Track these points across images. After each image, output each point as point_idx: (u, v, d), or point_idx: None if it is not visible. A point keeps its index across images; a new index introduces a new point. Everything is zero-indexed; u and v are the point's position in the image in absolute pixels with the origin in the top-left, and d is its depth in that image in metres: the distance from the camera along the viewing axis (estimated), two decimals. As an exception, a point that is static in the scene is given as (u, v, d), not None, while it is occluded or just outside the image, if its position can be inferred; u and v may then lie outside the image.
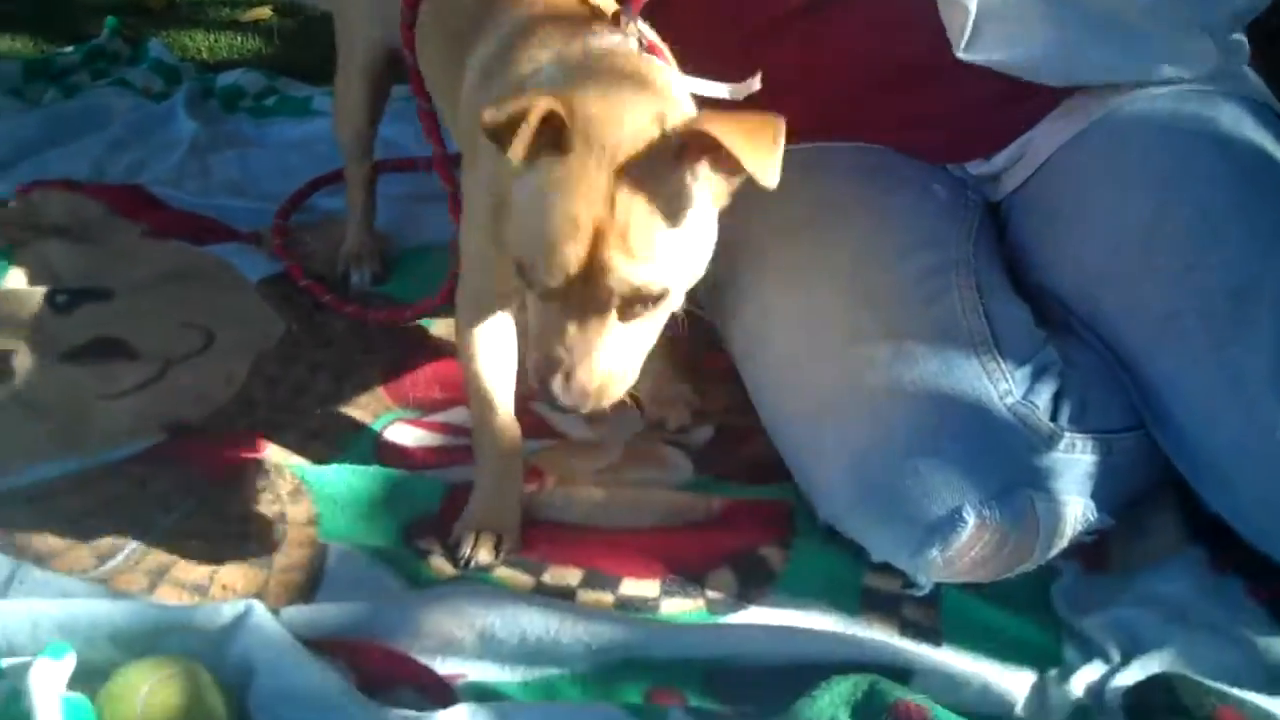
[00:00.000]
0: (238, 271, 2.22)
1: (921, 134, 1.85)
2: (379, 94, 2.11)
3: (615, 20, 1.42)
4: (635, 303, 1.24)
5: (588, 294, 1.22)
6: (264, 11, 3.59)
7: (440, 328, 2.04)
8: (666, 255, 1.23)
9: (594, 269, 1.21)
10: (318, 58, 3.28)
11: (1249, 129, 1.70)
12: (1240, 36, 1.79)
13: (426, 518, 1.66)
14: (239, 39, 3.43)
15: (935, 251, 1.68)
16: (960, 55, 1.65)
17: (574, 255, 1.20)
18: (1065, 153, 1.79)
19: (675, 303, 1.29)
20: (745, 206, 1.82)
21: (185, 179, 2.55)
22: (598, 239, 1.20)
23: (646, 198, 1.21)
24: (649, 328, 1.29)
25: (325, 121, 2.74)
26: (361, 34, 2.00)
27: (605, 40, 1.38)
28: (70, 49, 3.16)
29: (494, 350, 1.61)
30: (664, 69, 1.38)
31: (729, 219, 1.77)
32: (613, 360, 1.25)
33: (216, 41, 3.40)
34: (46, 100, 2.90)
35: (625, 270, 1.21)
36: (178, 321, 2.07)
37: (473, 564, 1.57)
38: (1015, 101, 1.81)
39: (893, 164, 1.84)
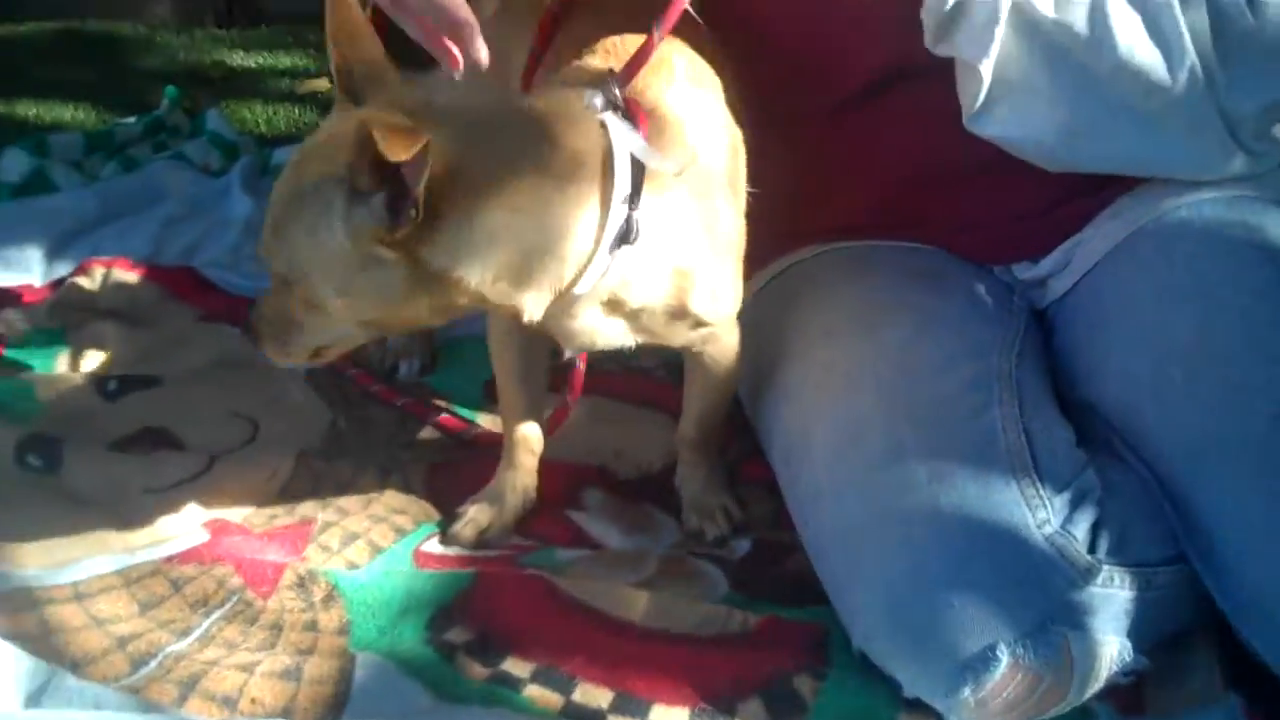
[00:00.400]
0: (286, 359, 2.24)
1: (970, 235, 1.85)
2: None
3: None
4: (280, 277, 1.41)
5: None
6: (322, 83, 3.65)
7: (485, 420, 2.05)
8: (289, 244, 1.35)
9: None
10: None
11: None
12: (1277, 133, 1.77)
13: (452, 607, 1.66)
14: (297, 111, 3.48)
15: (979, 361, 1.66)
16: (967, 125, 1.64)
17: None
18: (1112, 259, 1.77)
19: (318, 306, 1.39)
20: (792, 305, 1.83)
21: (240, 261, 2.59)
22: None
23: (302, 189, 1.33)
24: (301, 313, 1.42)
25: (377, 202, 2.78)
26: None
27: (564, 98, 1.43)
28: (131, 119, 3.22)
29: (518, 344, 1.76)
30: (601, 134, 1.40)
31: (776, 315, 1.77)
32: (268, 313, 1.46)
33: (275, 114, 3.46)
34: (105, 174, 2.96)
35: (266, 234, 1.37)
36: (225, 411, 2.10)
37: (450, 541, 1.80)
38: (1064, 204, 1.80)
39: (940, 266, 1.83)
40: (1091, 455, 1.62)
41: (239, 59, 3.91)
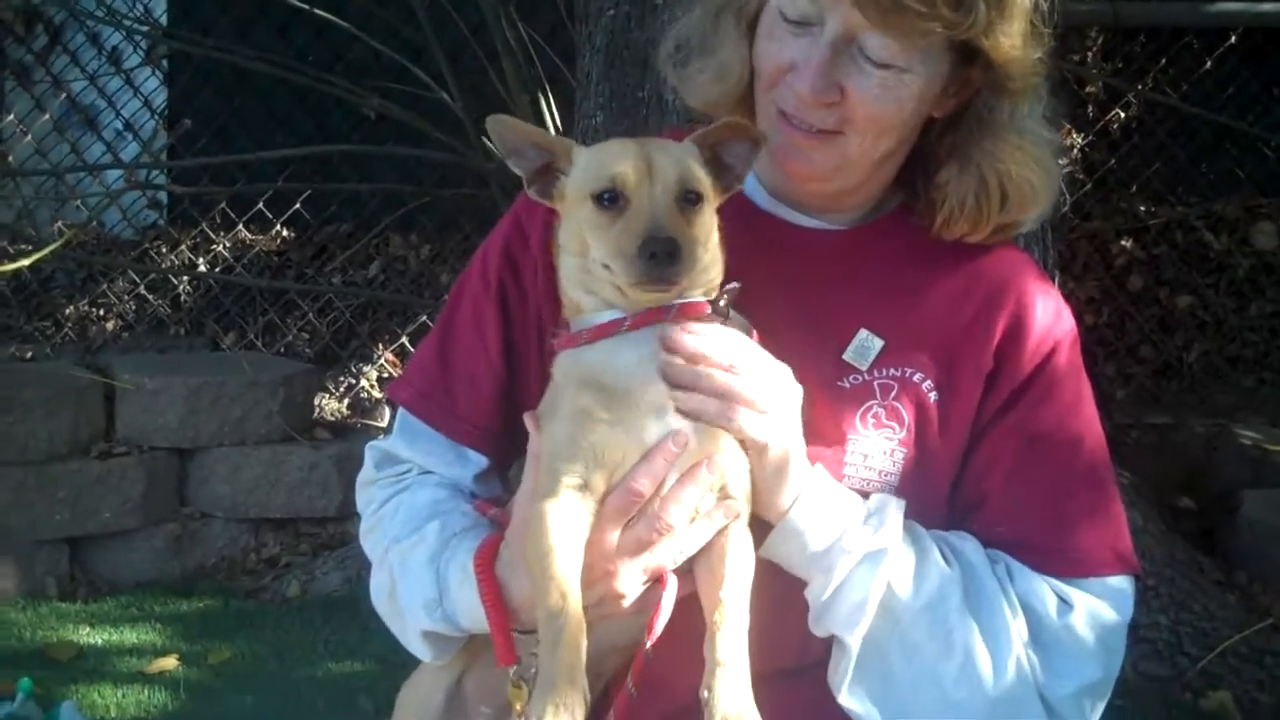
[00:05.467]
0: None
1: None
2: None
3: None
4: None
5: None
6: (169, 661, 3.80)
7: None
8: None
9: None
10: (225, 717, 3.48)
11: None
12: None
13: None
14: (146, 693, 3.61)
15: None
16: (840, 699, 1.78)
17: None
18: None
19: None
20: None
21: None
22: None
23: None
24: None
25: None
26: None
27: None
28: (-15, 713, 3.31)
29: (569, 530, 1.63)
30: None
31: None
32: (684, 242, 1.65)
33: (124, 698, 3.58)
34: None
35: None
36: None
37: None
38: None
39: None
40: None
41: (85, 635, 4.05)
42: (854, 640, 1.76)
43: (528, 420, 1.75)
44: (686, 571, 1.72)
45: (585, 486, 1.66)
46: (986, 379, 1.86)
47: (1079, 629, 1.85)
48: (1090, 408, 1.93)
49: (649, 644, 1.70)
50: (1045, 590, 1.85)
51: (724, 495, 1.70)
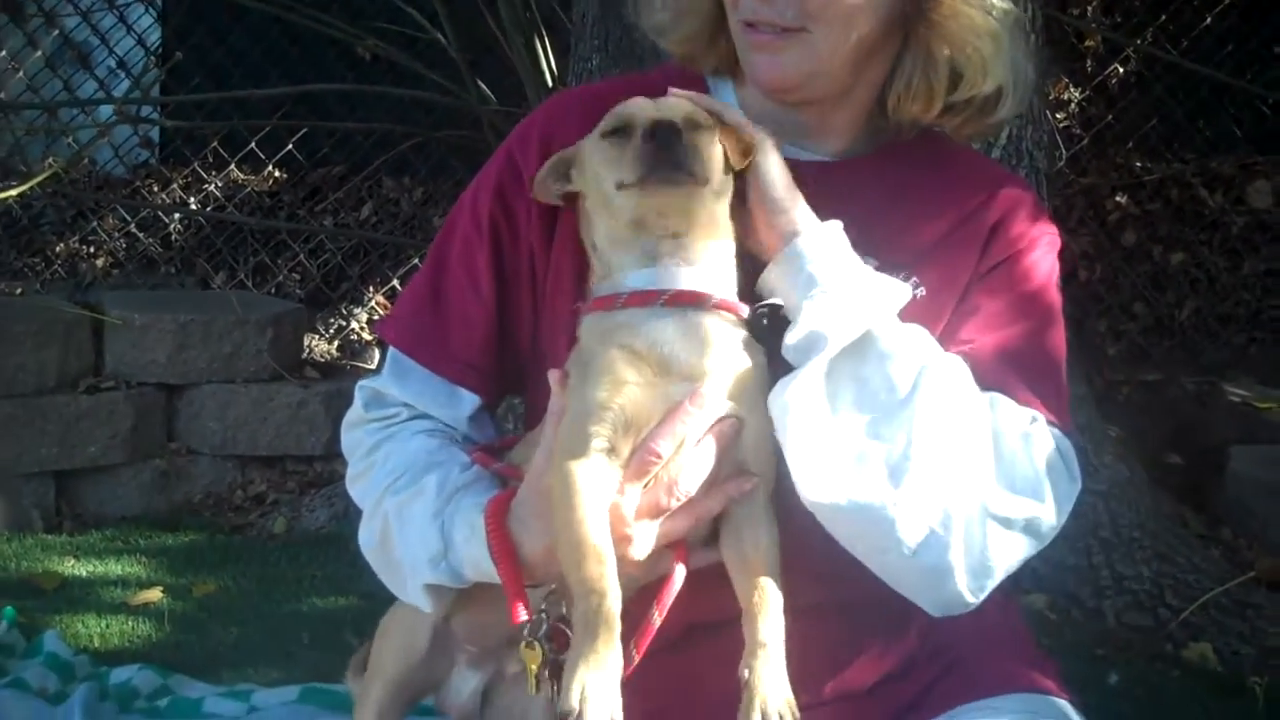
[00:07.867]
0: None
1: None
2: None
3: None
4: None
5: None
6: (153, 594, 3.81)
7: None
8: None
9: None
10: (209, 648, 3.49)
11: None
12: None
13: None
14: (130, 624, 3.61)
15: None
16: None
17: None
18: None
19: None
20: None
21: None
22: None
23: None
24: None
25: (216, 727, 2.92)
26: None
27: None
28: (-30, 643, 3.31)
29: (597, 493, 1.64)
30: None
31: None
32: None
33: (108, 628, 3.58)
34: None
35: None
36: None
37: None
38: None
39: None
40: None
41: (70, 567, 4.05)
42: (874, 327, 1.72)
43: (552, 378, 1.75)
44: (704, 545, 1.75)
45: (613, 450, 1.66)
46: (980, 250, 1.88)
47: (1037, 449, 1.78)
48: (1058, 312, 1.92)
49: (659, 618, 1.71)
50: (1014, 406, 1.80)
51: (743, 470, 1.72)
